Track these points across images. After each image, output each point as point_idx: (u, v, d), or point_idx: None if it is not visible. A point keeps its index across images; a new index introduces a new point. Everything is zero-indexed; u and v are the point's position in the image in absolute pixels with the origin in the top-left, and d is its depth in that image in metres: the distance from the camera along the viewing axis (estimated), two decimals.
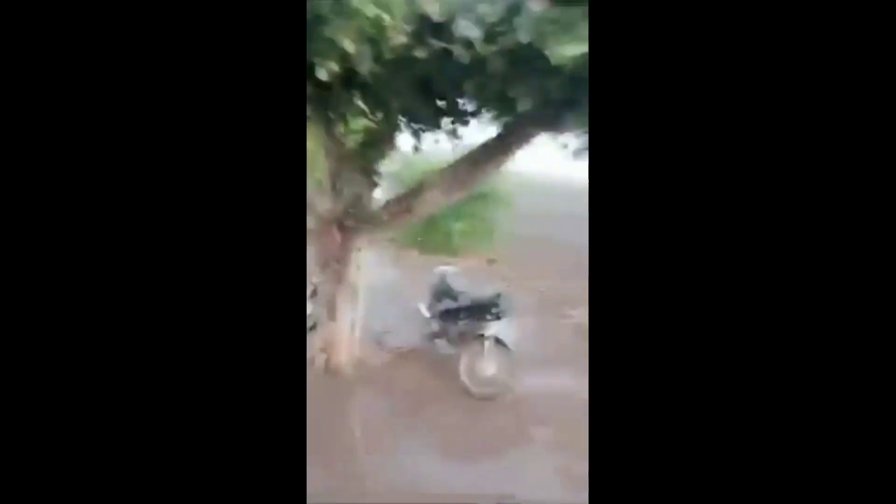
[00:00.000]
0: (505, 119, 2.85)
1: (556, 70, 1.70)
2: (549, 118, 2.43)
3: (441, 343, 3.91)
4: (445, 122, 3.06)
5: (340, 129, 3.36)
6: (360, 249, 3.55)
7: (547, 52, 1.67)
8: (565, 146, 2.92)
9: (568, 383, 3.66)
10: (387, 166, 3.89)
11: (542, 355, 4.03)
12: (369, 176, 3.53)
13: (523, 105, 1.97)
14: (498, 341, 3.44)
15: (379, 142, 3.47)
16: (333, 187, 3.43)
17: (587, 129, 2.68)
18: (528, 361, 3.69)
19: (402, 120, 3.19)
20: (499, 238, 6.95)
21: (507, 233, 6.94)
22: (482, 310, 3.58)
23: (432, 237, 7.00)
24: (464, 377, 3.41)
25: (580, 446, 3.00)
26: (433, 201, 3.40)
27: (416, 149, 3.55)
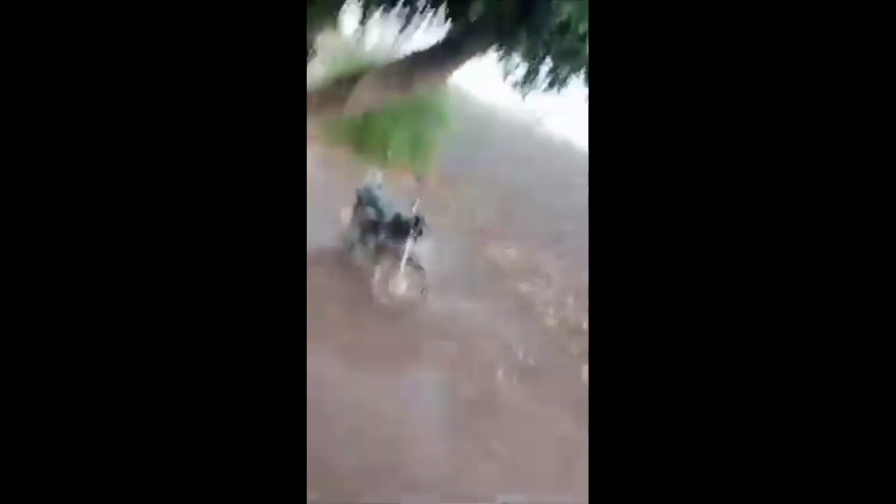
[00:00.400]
0: (457, 25, 2.60)
1: None
2: (500, 34, 2.25)
3: (358, 253, 3.86)
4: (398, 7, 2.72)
5: None
6: None
7: None
8: (508, 73, 2.77)
9: (472, 308, 3.87)
10: (326, 43, 3.41)
11: (452, 280, 4.16)
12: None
13: (475, 11, 1.79)
14: (411, 260, 3.48)
15: (321, 6, 3.01)
16: None
17: (534, 59, 2.55)
18: (437, 284, 3.80)
19: None
20: (433, 158, 6.77)
21: (442, 154, 6.78)
22: (403, 227, 3.54)
23: (367, 140, 6.61)
24: (375, 290, 3.44)
25: (472, 365, 3.25)
26: (367, 96, 3.12)
27: (361, 23, 3.17)
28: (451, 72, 3.08)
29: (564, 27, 1.76)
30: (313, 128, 5.98)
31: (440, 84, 3.39)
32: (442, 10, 2.57)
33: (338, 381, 2.68)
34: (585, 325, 4.13)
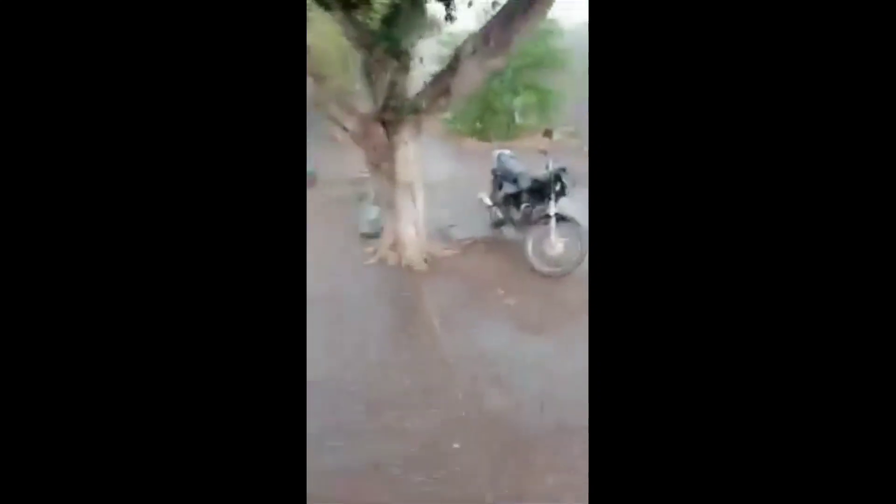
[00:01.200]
0: None
1: None
2: None
3: (507, 229, 3.90)
4: None
5: (361, 12, 3.09)
6: (406, 143, 3.47)
7: None
8: None
9: None
10: (419, 45, 3.56)
11: None
12: (399, 58, 3.26)
13: None
14: (562, 218, 3.34)
15: (403, 13, 3.13)
16: (368, 80, 3.28)
17: None
18: None
19: None
20: (563, 109, 6.36)
21: (571, 99, 6.30)
22: (544, 189, 3.44)
23: (493, 121, 6.61)
24: (531, 259, 3.42)
25: None
26: (470, 74, 3.11)
27: (449, 17, 3.18)
28: (542, 11, 2.85)
29: None
30: (436, 126, 6.27)
31: (533, 28, 3.15)
32: None
33: (518, 349, 2.76)
34: None
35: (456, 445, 2.16)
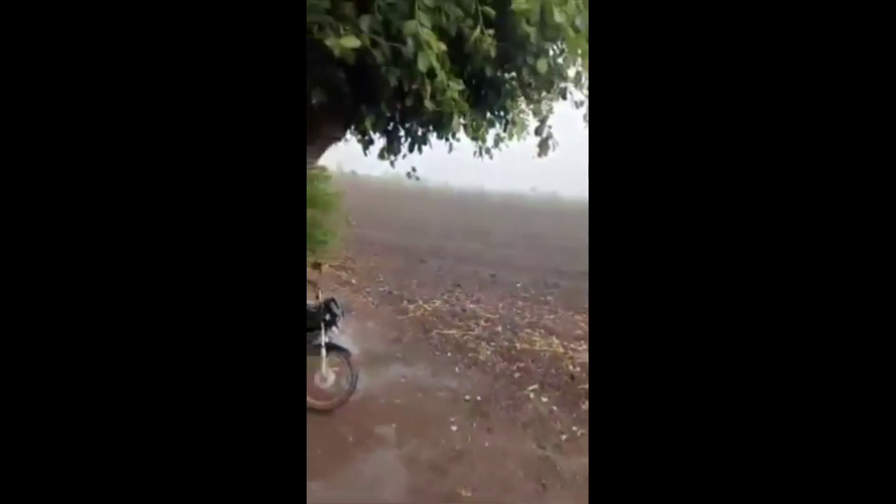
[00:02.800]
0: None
1: (340, 62, 1.68)
2: (347, 115, 2.41)
3: None
4: None
5: None
6: None
7: (328, 44, 1.64)
8: (371, 143, 2.95)
9: (408, 373, 3.77)
10: None
11: (384, 352, 4.05)
12: None
13: (317, 97, 1.91)
14: (332, 347, 3.33)
15: None
16: None
17: (389, 126, 2.76)
18: (369, 359, 3.66)
19: None
20: (332, 244, 6.76)
21: (340, 237, 6.81)
22: (312, 319, 3.41)
23: None
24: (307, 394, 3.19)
25: (425, 435, 3.10)
26: None
27: None
28: (314, 160, 3.17)
29: (398, 94, 1.94)
30: None
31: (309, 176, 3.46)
32: None
33: None
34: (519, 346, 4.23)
35: None
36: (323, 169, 7.22)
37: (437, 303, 5.56)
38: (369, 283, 6.09)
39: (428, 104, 1.70)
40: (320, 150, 2.99)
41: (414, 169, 3.22)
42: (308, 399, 3.19)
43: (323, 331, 3.33)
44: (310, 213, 6.69)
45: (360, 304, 5.30)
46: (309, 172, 6.31)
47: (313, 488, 2.50)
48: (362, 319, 4.77)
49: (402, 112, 2.51)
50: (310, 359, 3.28)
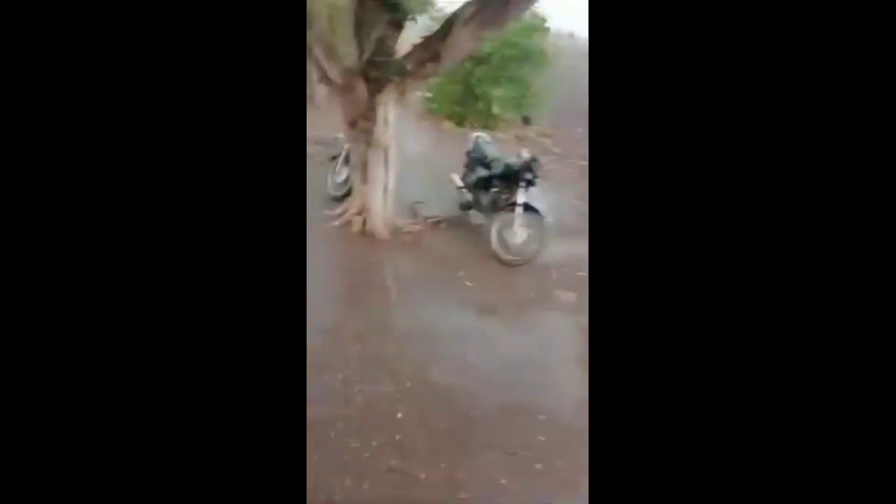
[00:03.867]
0: None
1: None
2: None
3: (474, 213, 3.90)
4: None
5: None
6: (386, 104, 3.35)
7: None
8: None
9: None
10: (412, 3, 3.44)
11: (575, 224, 3.94)
12: (393, 9, 3.11)
13: None
14: (528, 208, 3.37)
15: None
16: (357, 34, 3.12)
17: None
18: (560, 229, 3.63)
19: None
20: (543, 103, 6.41)
21: (550, 98, 6.37)
22: (514, 177, 3.45)
23: (471, 106, 6.55)
24: (495, 245, 3.44)
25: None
26: (461, 42, 3.04)
27: None
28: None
29: None
30: (416, 101, 6.15)
31: (530, 3, 3.15)
32: None
33: (471, 329, 2.78)
34: None
35: (399, 415, 2.15)
36: (543, 20, 6.53)
37: None
38: (574, 155, 5.75)
39: None
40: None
41: None
42: (497, 249, 3.44)
43: (523, 189, 3.37)
44: (525, 67, 6.36)
45: (561, 175, 5.13)
46: (528, 21, 5.80)
47: (493, 327, 2.84)
48: (561, 191, 4.65)
49: None
50: (504, 214, 3.44)
